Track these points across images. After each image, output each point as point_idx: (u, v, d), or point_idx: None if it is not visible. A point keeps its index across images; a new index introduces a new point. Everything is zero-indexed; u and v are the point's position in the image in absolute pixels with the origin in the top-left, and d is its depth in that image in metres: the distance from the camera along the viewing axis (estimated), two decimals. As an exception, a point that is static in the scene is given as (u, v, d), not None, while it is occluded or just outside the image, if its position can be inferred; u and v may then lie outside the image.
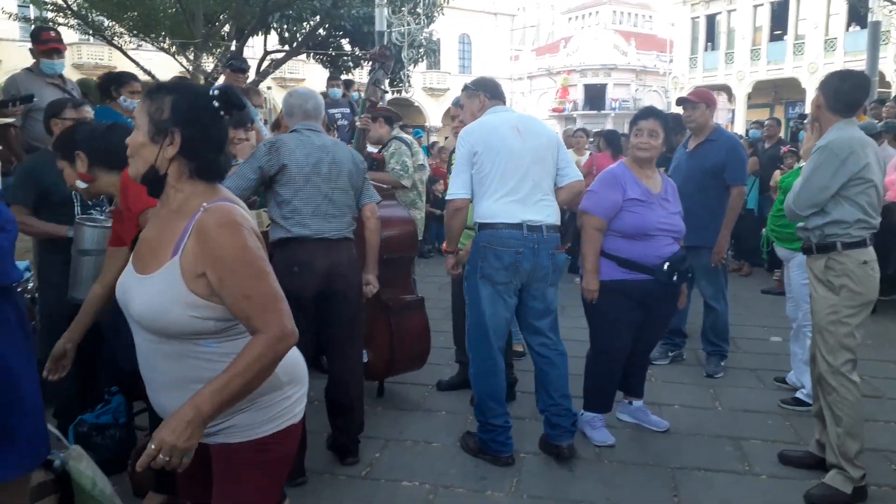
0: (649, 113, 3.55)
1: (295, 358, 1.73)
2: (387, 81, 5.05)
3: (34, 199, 3.29)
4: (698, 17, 32.74)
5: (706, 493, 3.07)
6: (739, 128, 25.12)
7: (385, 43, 11.13)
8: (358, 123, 4.62)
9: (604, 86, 42.89)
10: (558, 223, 3.34)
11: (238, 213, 1.58)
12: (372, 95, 4.64)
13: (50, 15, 13.52)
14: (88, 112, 3.48)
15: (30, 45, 4.69)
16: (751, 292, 7.39)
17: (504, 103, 3.53)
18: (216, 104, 1.61)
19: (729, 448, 3.52)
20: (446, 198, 3.36)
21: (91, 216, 3.23)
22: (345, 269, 3.19)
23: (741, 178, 4.58)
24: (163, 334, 1.58)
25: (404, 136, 5.01)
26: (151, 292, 1.56)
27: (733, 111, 29.28)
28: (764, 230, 4.70)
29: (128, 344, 3.03)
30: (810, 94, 26.82)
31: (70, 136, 2.80)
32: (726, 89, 29.68)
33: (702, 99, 4.62)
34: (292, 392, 1.71)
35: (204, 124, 1.60)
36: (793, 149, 7.42)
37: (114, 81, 4.95)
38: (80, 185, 2.62)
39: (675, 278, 3.40)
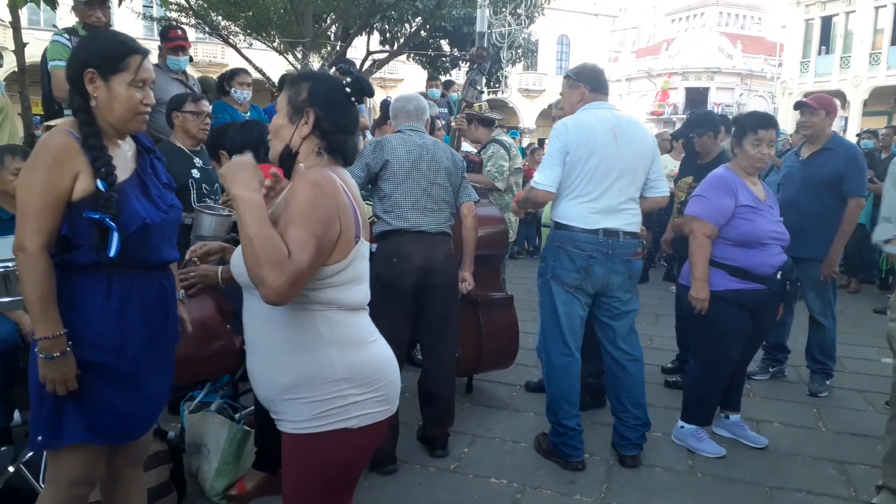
0: (770, 122, 3.42)
1: (367, 357, 1.69)
2: (483, 82, 5.08)
3: None
4: (813, 19, 31.03)
5: (806, 516, 2.95)
6: (853, 136, 23.70)
7: (484, 44, 11.18)
8: (453, 123, 4.70)
9: (706, 89, 41.38)
10: (637, 230, 3.27)
11: (328, 180, 1.61)
12: (467, 96, 4.72)
13: (173, 14, 14.37)
14: (206, 106, 3.69)
15: (151, 42, 5.01)
16: (860, 311, 6.98)
17: (606, 96, 3.37)
18: (348, 90, 1.73)
19: (833, 471, 3.36)
20: (531, 183, 3.29)
21: (207, 204, 3.42)
22: (441, 262, 3.27)
23: (860, 189, 4.32)
24: (242, 282, 1.68)
25: (504, 138, 5.02)
26: None
27: (846, 118, 27.60)
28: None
29: (238, 326, 3.22)
30: (936, 102, 24.98)
31: (216, 137, 3.09)
32: (840, 95, 27.98)
33: (823, 105, 4.37)
34: (350, 392, 1.64)
35: (336, 107, 1.72)
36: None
37: (227, 77, 5.26)
38: None
39: (787, 287, 3.32)
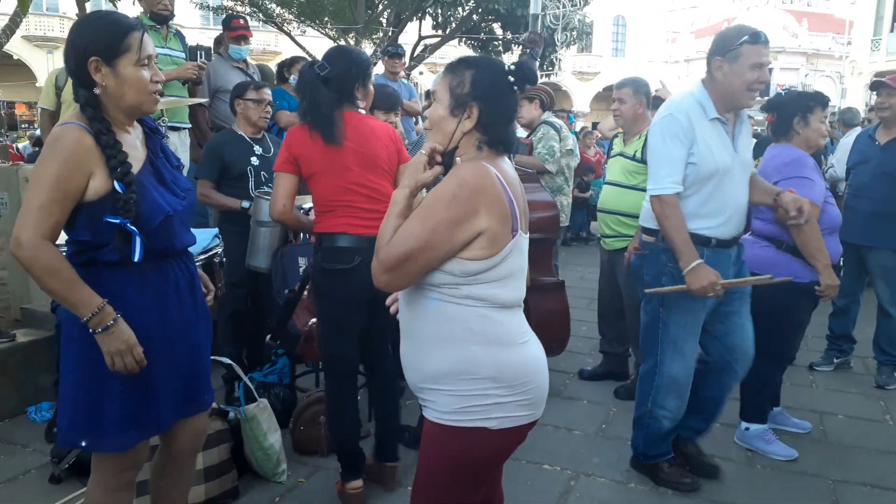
0: (828, 100, 3.28)
1: (516, 359, 1.63)
2: (535, 66, 5.02)
3: (217, 174, 3.58)
4: (885, -6, 29.59)
5: (872, 512, 2.86)
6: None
7: (538, 27, 11.03)
8: None
9: (770, 70, 39.87)
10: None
11: (478, 175, 1.56)
12: None
13: (228, 3, 14.63)
14: (267, 94, 3.72)
15: (209, 32, 5.08)
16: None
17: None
18: (511, 79, 1.64)
19: (901, 466, 3.24)
20: None
21: (266, 191, 3.49)
22: None
23: None
24: None
25: (554, 120, 4.94)
26: None
27: (920, 99, 26.30)
28: None
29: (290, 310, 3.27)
30: None
31: None
32: (914, 75, 26.66)
33: None
34: (493, 392, 1.59)
35: (500, 99, 1.64)
36: None
37: (287, 64, 5.35)
38: None
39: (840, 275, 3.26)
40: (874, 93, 4.29)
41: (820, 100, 3.23)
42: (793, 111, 3.21)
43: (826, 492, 2.99)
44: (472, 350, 1.59)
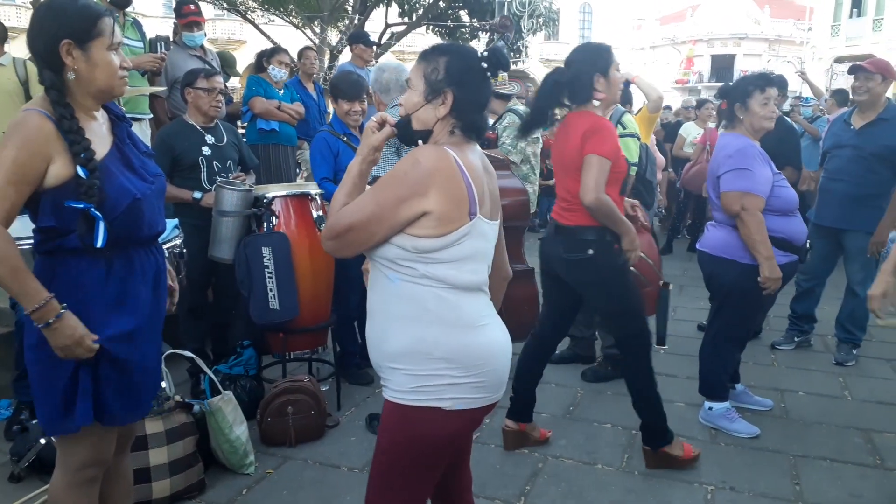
0: (773, 81, 3.22)
1: (472, 341, 1.64)
2: (505, 51, 5.01)
3: (168, 165, 3.42)
4: (844, -20, 30.12)
5: (831, 484, 2.92)
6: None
7: (505, 13, 11.02)
8: None
9: (732, 56, 40.48)
10: None
11: (431, 156, 1.58)
12: None
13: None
14: (218, 82, 3.59)
15: (170, 20, 5.00)
16: None
17: None
18: (484, 65, 1.67)
19: (858, 440, 3.32)
20: None
21: (229, 180, 3.43)
22: None
23: None
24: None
25: (520, 108, 4.95)
26: None
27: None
28: None
29: (260, 299, 3.25)
30: (973, 64, 24.14)
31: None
32: (872, 59, 27.17)
33: (879, 69, 4.18)
34: (447, 373, 1.61)
35: (473, 85, 1.66)
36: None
37: (267, 54, 5.28)
38: None
39: (807, 257, 3.25)
40: (851, 76, 4.32)
41: (759, 82, 3.18)
42: (733, 98, 3.21)
43: (787, 467, 3.06)
44: (428, 330, 1.61)
